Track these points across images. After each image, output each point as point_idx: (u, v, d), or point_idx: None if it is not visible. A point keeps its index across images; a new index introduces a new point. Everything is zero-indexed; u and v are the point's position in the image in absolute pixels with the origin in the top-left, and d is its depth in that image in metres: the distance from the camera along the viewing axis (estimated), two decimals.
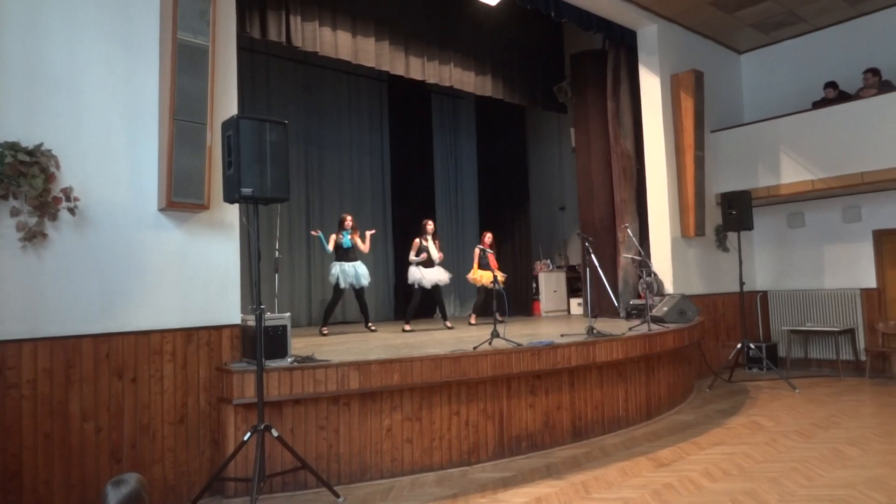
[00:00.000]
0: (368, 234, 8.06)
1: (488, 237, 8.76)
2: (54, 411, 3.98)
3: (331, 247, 7.86)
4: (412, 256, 8.05)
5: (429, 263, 8.07)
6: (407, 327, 7.80)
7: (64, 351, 4.03)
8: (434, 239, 8.24)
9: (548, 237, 11.38)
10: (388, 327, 8.65)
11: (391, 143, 10.86)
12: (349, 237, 7.80)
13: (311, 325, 9.38)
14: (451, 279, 8.43)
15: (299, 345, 5.85)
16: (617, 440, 5.60)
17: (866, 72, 8.18)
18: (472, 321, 8.66)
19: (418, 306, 8.19)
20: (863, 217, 8.64)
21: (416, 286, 8.03)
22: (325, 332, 7.66)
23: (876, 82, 8.10)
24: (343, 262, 7.76)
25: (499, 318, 6.16)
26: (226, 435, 4.45)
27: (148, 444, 4.30)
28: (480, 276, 8.53)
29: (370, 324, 8.09)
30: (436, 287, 8.14)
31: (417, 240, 8.11)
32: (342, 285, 7.71)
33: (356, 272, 7.76)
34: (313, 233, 8.08)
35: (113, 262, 4.26)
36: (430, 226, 8.21)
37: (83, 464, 4.06)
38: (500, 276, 7.58)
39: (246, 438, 4.04)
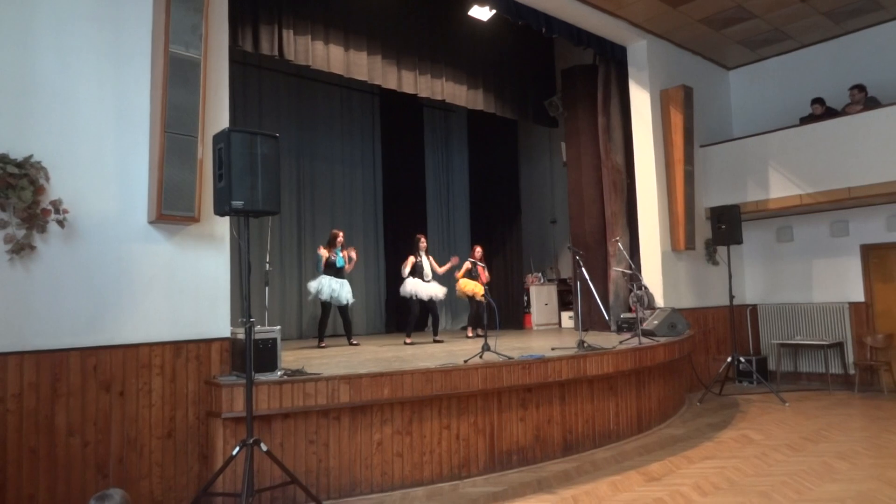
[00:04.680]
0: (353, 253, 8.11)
1: (478, 251, 8.75)
2: (40, 425, 3.93)
3: (323, 263, 7.90)
4: (406, 272, 8.06)
5: (423, 279, 8.09)
6: (408, 340, 7.81)
7: (51, 364, 3.99)
8: (428, 255, 8.28)
9: (539, 250, 11.41)
10: (380, 341, 8.62)
11: (383, 156, 10.90)
12: (341, 254, 7.87)
13: (302, 339, 9.34)
14: (445, 294, 8.42)
15: (289, 358, 5.82)
16: (608, 454, 5.59)
17: (852, 88, 8.30)
18: (470, 334, 8.65)
19: (417, 319, 8.20)
20: (850, 231, 8.73)
21: (413, 298, 8.04)
22: (324, 345, 7.68)
23: (862, 98, 8.22)
24: (331, 277, 7.80)
25: (480, 333, 6.17)
26: (214, 449, 4.41)
27: (135, 458, 4.25)
28: (472, 288, 8.53)
29: (353, 339, 8.09)
30: (431, 301, 8.16)
31: (412, 257, 8.12)
32: (323, 297, 7.74)
33: (340, 289, 7.80)
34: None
35: (102, 274, 4.24)
36: (423, 242, 8.25)
37: (69, 478, 4.01)
38: (480, 291, 7.77)
39: (234, 453, 3.99)
